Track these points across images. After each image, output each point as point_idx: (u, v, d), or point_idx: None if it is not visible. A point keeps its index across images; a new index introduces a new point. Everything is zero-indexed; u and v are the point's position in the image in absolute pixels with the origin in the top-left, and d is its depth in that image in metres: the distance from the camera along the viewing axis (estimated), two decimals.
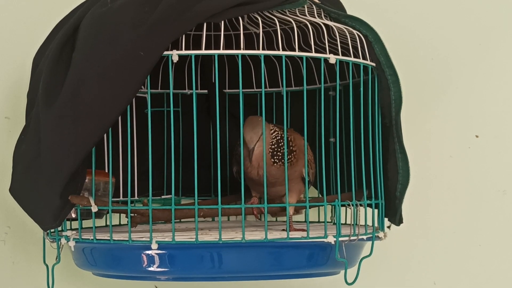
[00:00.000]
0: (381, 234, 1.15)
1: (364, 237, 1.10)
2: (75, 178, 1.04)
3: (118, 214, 1.27)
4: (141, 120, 1.27)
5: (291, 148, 1.12)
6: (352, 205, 1.10)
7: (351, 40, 1.10)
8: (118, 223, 1.29)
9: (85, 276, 1.35)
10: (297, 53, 1.05)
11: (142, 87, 1.05)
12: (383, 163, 1.15)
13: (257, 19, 1.10)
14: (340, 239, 1.05)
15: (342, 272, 1.08)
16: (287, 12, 1.12)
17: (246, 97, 1.20)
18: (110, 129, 1.03)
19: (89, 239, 1.06)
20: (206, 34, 1.03)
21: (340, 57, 1.07)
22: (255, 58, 1.18)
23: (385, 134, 1.15)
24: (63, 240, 1.09)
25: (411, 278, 1.43)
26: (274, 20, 1.09)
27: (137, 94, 1.10)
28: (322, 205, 1.08)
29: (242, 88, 1.03)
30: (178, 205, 1.16)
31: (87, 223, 1.11)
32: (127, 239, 1.04)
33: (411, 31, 1.43)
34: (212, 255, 1.05)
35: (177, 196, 1.34)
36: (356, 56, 1.10)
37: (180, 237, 1.04)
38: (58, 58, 1.04)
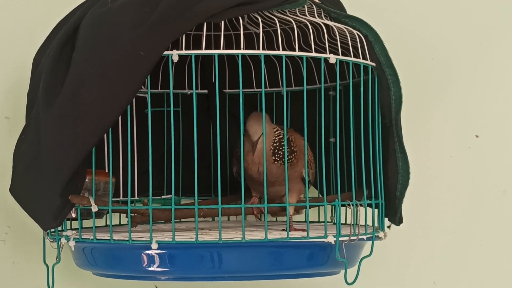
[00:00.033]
0: (381, 234, 1.15)
1: (364, 237, 1.10)
2: (75, 178, 1.04)
3: (118, 214, 1.27)
4: (141, 120, 1.27)
5: (292, 148, 1.12)
6: (352, 205, 1.10)
7: (351, 40, 1.11)
8: (118, 223, 1.29)
9: (85, 276, 1.35)
10: (297, 53, 1.05)
11: (142, 87, 1.05)
12: (383, 163, 1.15)
13: (257, 19, 1.10)
14: (340, 239, 1.05)
15: (342, 272, 1.08)
16: (287, 12, 1.12)
17: (246, 97, 1.20)
18: (110, 129, 1.03)
19: (89, 239, 1.06)
20: (206, 34, 1.03)
21: (340, 57, 1.07)
22: (255, 58, 1.18)
23: (385, 134, 1.15)
24: (63, 240, 1.09)
25: (411, 278, 1.43)
26: (274, 20, 1.09)
27: (137, 94, 1.10)
28: (322, 205, 1.08)
29: (242, 88, 1.03)
30: (178, 205, 1.16)
31: (87, 223, 1.11)
32: (127, 239, 1.04)
33: (411, 31, 1.43)
34: (212, 255, 1.05)
35: (177, 196, 1.34)
36: (356, 56, 1.10)
37: (180, 237, 1.04)
38: (58, 58, 1.04)
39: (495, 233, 1.42)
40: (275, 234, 1.08)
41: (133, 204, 1.31)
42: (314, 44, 1.08)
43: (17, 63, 1.38)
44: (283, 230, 1.14)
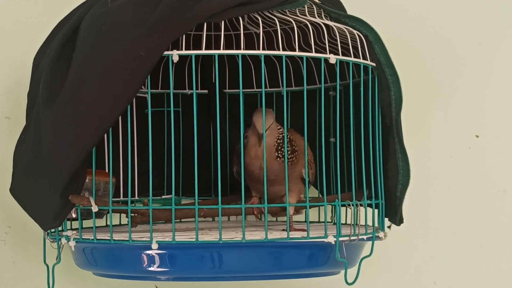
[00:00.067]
0: (381, 234, 1.15)
1: (364, 237, 1.10)
2: (75, 178, 1.04)
3: (118, 214, 1.27)
4: (141, 120, 1.27)
5: (293, 147, 1.12)
6: (352, 205, 1.10)
7: (351, 40, 1.11)
8: (118, 223, 1.29)
9: (86, 276, 1.35)
10: (297, 53, 1.05)
11: (143, 87, 1.05)
12: (383, 163, 1.15)
13: (257, 19, 1.10)
14: (340, 239, 1.05)
15: (342, 272, 1.08)
16: (287, 12, 1.12)
17: (246, 97, 1.20)
18: (110, 129, 1.03)
19: (89, 239, 1.06)
20: (206, 34, 1.03)
21: (340, 57, 1.07)
22: (255, 58, 1.18)
23: (385, 134, 1.15)
24: (63, 240, 1.09)
25: (411, 278, 1.43)
26: (274, 20, 1.09)
27: (137, 94, 1.10)
28: (322, 205, 1.08)
29: (242, 88, 1.03)
30: (179, 205, 1.16)
31: (87, 223, 1.11)
32: (127, 239, 1.04)
33: (411, 31, 1.43)
34: (212, 255, 1.05)
35: (177, 196, 1.34)
36: (356, 56, 1.10)
37: (181, 237, 1.04)
38: (58, 58, 1.04)
39: (495, 233, 1.42)
40: (275, 234, 1.08)
41: (133, 204, 1.31)
42: (314, 44, 1.08)
43: (17, 63, 1.38)
44: (283, 230, 1.14)
